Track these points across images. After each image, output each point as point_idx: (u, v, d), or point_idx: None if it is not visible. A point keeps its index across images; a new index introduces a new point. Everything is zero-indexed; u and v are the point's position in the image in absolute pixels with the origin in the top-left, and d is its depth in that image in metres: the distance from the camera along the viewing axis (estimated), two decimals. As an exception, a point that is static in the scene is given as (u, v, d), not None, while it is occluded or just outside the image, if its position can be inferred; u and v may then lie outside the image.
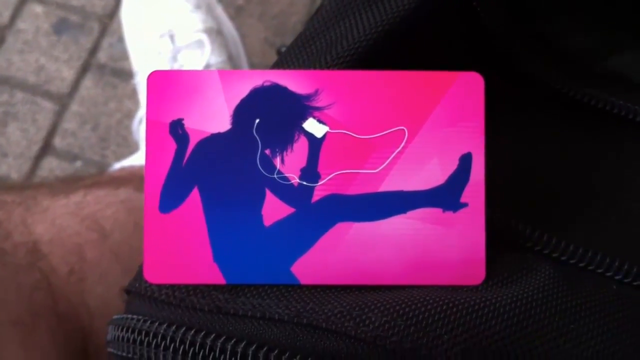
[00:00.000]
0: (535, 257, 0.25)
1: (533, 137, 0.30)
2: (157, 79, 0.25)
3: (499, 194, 0.25)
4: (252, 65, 0.81)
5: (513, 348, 0.22)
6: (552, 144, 0.29)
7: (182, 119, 0.25)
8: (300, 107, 0.25)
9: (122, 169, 0.61)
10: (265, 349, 0.22)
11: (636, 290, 0.25)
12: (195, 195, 0.25)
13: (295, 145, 0.25)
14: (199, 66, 0.68)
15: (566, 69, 0.31)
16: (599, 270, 0.25)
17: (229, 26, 0.76)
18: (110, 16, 0.88)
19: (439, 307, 0.22)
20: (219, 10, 0.76)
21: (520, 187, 0.28)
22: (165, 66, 0.69)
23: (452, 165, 0.25)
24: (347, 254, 0.24)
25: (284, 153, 0.25)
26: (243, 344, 0.22)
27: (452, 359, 0.21)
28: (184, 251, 0.25)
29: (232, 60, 0.72)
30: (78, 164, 0.82)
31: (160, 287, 0.25)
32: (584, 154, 0.29)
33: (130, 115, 0.82)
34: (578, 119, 0.30)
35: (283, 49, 0.44)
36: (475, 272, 0.24)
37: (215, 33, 0.72)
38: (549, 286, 0.23)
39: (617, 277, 0.25)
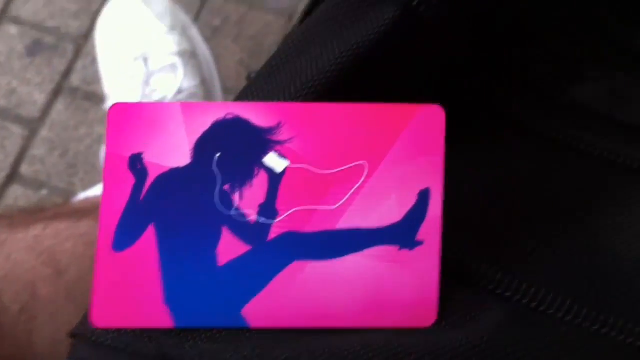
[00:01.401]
0: (488, 296, 0.25)
1: (491, 170, 0.29)
2: (119, 112, 0.25)
3: (455, 231, 0.25)
4: (226, 89, 0.80)
5: None
6: (511, 177, 0.29)
7: (142, 153, 0.25)
8: (262, 140, 0.25)
9: (86, 200, 0.61)
10: None
11: (588, 333, 0.25)
12: (150, 232, 0.24)
13: (254, 181, 0.25)
14: (171, 90, 0.68)
15: (528, 99, 0.31)
16: (550, 312, 0.25)
17: (203, 48, 0.76)
18: (85, 37, 0.88)
19: (390, 351, 0.22)
20: (194, 32, 0.76)
21: (477, 222, 0.27)
22: (138, 90, 0.69)
23: (410, 201, 0.24)
24: (300, 295, 0.24)
25: (243, 188, 0.25)
26: None
27: None
28: (134, 292, 0.24)
29: (205, 84, 0.72)
30: (44, 192, 0.81)
31: (107, 331, 0.24)
32: (541, 190, 0.29)
33: (100, 140, 0.82)
34: (540, 152, 0.30)
35: (253, 75, 0.44)
36: (426, 314, 0.24)
37: (189, 55, 0.72)
38: (501, 329, 0.23)
39: (567, 318, 0.25)
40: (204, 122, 0.25)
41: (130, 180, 0.25)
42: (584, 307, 0.25)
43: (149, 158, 0.25)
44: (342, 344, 0.22)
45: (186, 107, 0.25)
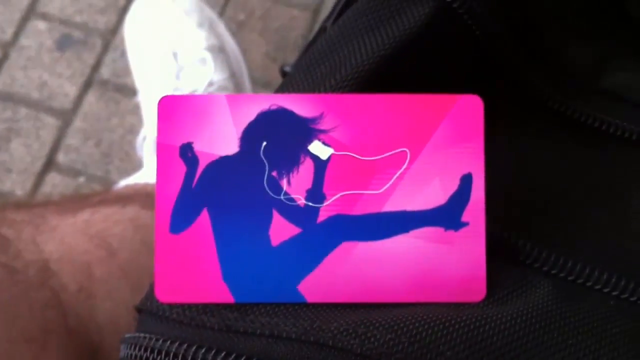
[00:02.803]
0: (534, 273, 0.26)
1: (533, 155, 0.30)
2: (168, 104, 0.26)
3: (500, 211, 0.26)
4: (254, 80, 0.82)
5: None
6: (552, 162, 0.30)
7: (192, 143, 0.26)
8: (306, 130, 0.26)
9: (127, 187, 0.62)
10: None
11: (633, 306, 0.26)
12: (204, 216, 0.26)
13: (301, 167, 0.26)
14: (202, 83, 0.69)
15: (563, 86, 0.32)
16: (597, 287, 0.26)
17: (230, 43, 0.77)
18: (112, 32, 0.89)
19: (441, 324, 0.23)
20: (221, 28, 0.77)
21: (520, 204, 0.28)
22: (168, 84, 0.70)
23: (453, 186, 0.25)
24: (352, 273, 0.25)
25: (290, 175, 0.26)
26: None
27: None
28: (194, 271, 0.25)
29: (234, 77, 0.73)
30: (81, 179, 0.83)
31: (171, 306, 0.25)
32: (583, 172, 0.30)
33: (132, 130, 0.83)
34: (576, 137, 0.31)
35: (286, 68, 0.45)
36: (476, 290, 0.25)
37: (218, 50, 0.73)
38: (548, 303, 0.24)
39: (614, 293, 0.26)
40: (250, 113, 0.26)
41: (181, 168, 0.26)
42: (631, 282, 0.26)
43: (198, 147, 0.26)
44: (396, 317, 0.23)
45: (232, 98, 0.26)
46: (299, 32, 0.89)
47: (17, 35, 0.90)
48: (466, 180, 0.26)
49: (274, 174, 0.26)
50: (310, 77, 0.29)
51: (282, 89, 0.30)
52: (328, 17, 0.37)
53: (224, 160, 0.26)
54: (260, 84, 0.85)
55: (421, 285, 0.25)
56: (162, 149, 0.26)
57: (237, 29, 0.88)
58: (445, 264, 0.25)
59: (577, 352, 0.23)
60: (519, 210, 0.28)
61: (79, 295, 0.39)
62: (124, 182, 0.68)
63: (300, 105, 0.26)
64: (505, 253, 0.27)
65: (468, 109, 0.26)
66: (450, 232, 0.25)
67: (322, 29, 0.35)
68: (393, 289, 0.25)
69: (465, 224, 0.25)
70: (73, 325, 0.38)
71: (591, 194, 0.29)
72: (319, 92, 0.28)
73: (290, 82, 0.29)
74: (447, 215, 0.25)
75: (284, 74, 0.45)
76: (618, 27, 0.35)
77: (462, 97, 0.26)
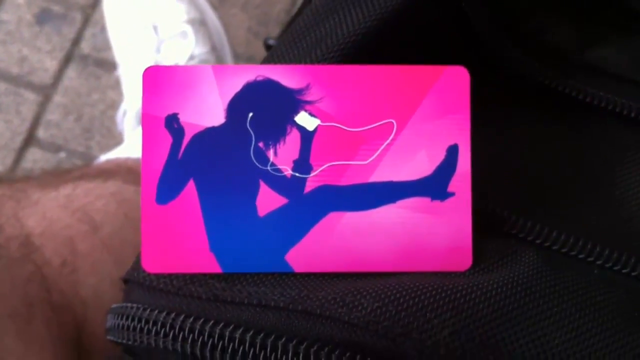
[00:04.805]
0: (519, 243, 0.26)
1: (517, 128, 0.31)
2: (153, 75, 0.26)
3: (485, 183, 0.26)
4: (236, 55, 0.81)
5: (499, 330, 0.23)
6: (536, 135, 0.30)
7: (178, 114, 0.26)
8: (292, 101, 0.26)
9: (108, 161, 0.62)
10: (262, 334, 0.23)
11: (616, 275, 0.26)
12: (191, 187, 0.25)
13: (287, 138, 0.26)
14: (183, 57, 0.68)
15: (547, 61, 0.32)
16: (581, 256, 0.26)
17: (212, 16, 0.76)
18: (92, 6, 0.88)
19: (428, 292, 0.23)
20: (202, 0, 0.76)
21: (506, 176, 0.29)
22: (149, 57, 0.69)
23: (440, 156, 0.26)
24: (339, 243, 0.25)
25: (277, 146, 0.26)
26: (241, 330, 0.23)
27: (441, 342, 0.22)
28: (181, 241, 0.25)
29: (215, 51, 0.72)
30: (62, 155, 0.82)
31: (158, 276, 0.25)
32: (566, 144, 0.30)
33: (113, 106, 0.82)
34: (560, 110, 0.31)
35: (270, 42, 0.44)
36: (462, 259, 0.25)
37: (199, 23, 0.72)
38: (533, 271, 0.25)
39: (598, 262, 0.26)
40: (236, 84, 0.26)
41: (167, 139, 0.26)
42: (614, 252, 0.26)
43: (184, 118, 0.26)
44: (383, 286, 0.23)
45: (218, 69, 0.26)
46: (281, 6, 0.88)
47: (-5, 9, 0.88)
48: (452, 151, 0.26)
49: (261, 144, 0.26)
50: (296, 49, 0.29)
51: (267, 61, 0.29)
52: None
53: (210, 131, 0.26)
54: (243, 59, 0.84)
55: (408, 254, 0.25)
56: (147, 119, 0.26)
57: (219, 4, 0.87)
58: (432, 233, 0.25)
59: (561, 320, 0.23)
60: (505, 182, 0.28)
61: (63, 270, 0.39)
62: (104, 157, 0.67)
63: (286, 76, 0.26)
64: (491, 223, 0.27)
65: (454, 80, 0.26)
66: (437, 203, 0.26)
67: (307, 0, 0.35)
68: (380, 259, 0.25)
69: (452, 195, 0.26)
70: (57, 300, 0.38)
71: (577, 167, 0.30)
72: (305, 63, 0.28)
73: (276, 54, 0.29)
74: (434, 186, 0.26)
75: (268, 47, 0.45)
76: (599, 6, 0.35)
77: (448, 68, 0.26)
